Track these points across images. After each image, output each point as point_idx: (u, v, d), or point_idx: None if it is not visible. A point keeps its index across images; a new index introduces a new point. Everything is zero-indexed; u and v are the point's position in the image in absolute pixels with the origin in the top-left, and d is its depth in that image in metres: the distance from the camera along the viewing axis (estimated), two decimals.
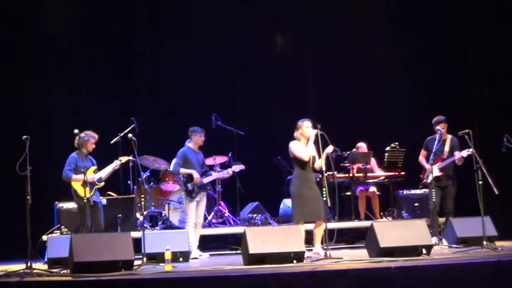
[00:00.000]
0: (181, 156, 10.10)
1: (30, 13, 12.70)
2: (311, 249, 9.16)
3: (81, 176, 9.36)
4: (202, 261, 9.50)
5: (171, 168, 10.70)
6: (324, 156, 9.00)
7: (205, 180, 10.10)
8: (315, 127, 9.05)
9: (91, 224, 9.26)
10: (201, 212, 10.08)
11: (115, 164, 9.79)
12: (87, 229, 9.18)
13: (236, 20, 13.80)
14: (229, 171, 10.69)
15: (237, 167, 10.82)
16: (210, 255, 10.27)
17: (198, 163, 10.12)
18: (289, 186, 9.57)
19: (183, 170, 10.03)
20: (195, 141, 10.16)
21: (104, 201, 10.72)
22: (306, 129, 9.11)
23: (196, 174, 9.95)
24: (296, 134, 9.21)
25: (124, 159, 10.02)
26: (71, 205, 10.30)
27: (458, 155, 10.34)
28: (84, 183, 9.20)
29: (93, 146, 9.57)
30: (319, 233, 9.10)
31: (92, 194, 9.33)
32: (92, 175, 9.46)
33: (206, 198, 10.22)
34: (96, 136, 9.60)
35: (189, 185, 9.97)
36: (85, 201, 9.18)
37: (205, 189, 10.17)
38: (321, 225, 9.02)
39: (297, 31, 14.08)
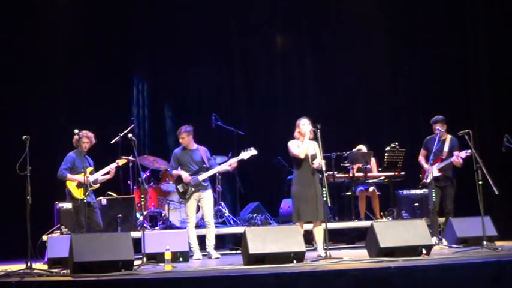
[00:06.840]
0: (173, 158, 10.03)
1: (30, 14, 12.70)
2: (309, 249, 9.12)
3: (76, 176, 9.41)
4: (202, 261, 9.50)
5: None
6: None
7: (201, 177, 9.82)
8: (314, 127, 9.01)
9: (87, 224, 9.26)
10: (207, 210, 9.87)
11: (109, 168, 9.76)
12: (83, 229, 9.19)
13: (236, 20, 13.79)
14: (233, 161, 10.10)
15: (247, 154, 9.97)
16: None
17: (191, 161, 9.89)
18: (289, 186, 9.55)
19: (174, 172, 9.97)
20: (180, 140, 10.01)
21: (104, 201, 10.76)
22: (303, 126, 9.09)
23: (184, 175, 9.80)
24: (295, 132, 9.20)
25: (121, 161, 10.01)
26: (71, 205, 10.30)
27: (455, 157, 10.33)
28: (81, 184, 9.21)
29: (87, 146, 9.56)
30: (317, 234, 9.04)
31: (86, 195, 9.32)
32: (87, 176, 9.44)
33: (210, 196, 9.98)
34: (91, 136, 9.59)
35: (179, 187, 9.88)
36: (83, 201, 9.20)
37: (203, 187, 9.85)
38: (319, 225, 8.99)
39: (297, 31, 14.07)
